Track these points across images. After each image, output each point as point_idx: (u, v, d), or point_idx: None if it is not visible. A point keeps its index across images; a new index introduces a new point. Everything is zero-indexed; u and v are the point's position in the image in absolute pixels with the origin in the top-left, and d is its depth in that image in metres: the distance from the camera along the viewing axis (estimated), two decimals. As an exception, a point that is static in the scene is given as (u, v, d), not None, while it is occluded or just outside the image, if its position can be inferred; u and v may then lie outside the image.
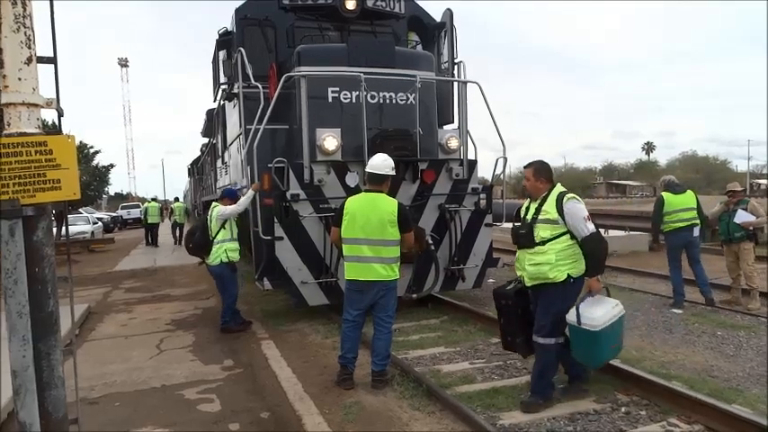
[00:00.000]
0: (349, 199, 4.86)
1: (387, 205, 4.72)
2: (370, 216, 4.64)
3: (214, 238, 6.79)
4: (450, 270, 7.44)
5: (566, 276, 4.06)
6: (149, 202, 22.32)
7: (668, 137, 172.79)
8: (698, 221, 7.63)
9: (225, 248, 6.77)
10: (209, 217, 6.93)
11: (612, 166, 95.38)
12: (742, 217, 7.54)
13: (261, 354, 5.91)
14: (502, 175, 8.18)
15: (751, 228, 7.58)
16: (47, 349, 2.58)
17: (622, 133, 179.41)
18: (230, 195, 7.01)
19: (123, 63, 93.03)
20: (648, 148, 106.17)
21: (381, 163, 4.86)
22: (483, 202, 7.83)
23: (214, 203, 7.09)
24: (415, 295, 7.06)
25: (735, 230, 7.61)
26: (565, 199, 4.12)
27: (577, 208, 4.07)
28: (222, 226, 6.82)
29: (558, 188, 4.27)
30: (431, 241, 7.00)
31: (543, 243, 4.13)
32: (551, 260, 4.07)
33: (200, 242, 6.95)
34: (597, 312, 4.00)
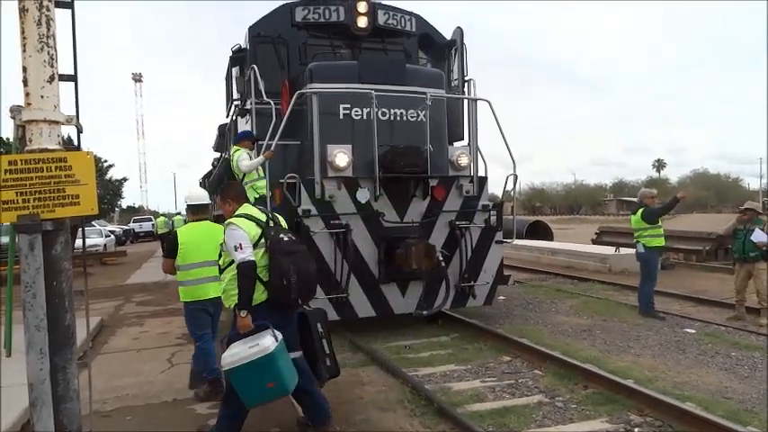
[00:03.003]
0: (181, 231, 5.10)
1: (220, 231, 4.91)
2: (209, 242, 4.92)
3: (242, 180, 6.97)
4: (460, 287, 7.42)
5: (233, 305, 3.78)
6: (175, 216, 23.25)
7: (678, 153, 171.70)
8: (637, 239, 8.36)
9: (254, 187, 6.99)
10: (232, 163, 7.07)
11: (623, 183, 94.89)
12: (758, 236, 7.53)
13: (271, 369, 5.90)
14: (512, 192, 8.19)
15: (765, 248, 7.55)
16: (63, 363, 2.62)
17: (631, 149, 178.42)
18: (248, 136, 7.20)
19: (137, 78, 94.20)
20: (659, 165, 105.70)
21: (202, 194, 5.27)
22: (494, 219, 7.83)
23: (235, 148, 7.16)
24: (425, 312, 7.03)
25: (750, 249, 7.61)
26: (226, 224, 3.83)
27: (230, 235, 3.73)
28: None
29: (240, 209, 3.96)
30: (441, 258, 7.00)
31: (222, 270, 3.92)
32: (225, 288, 3.84)
33: None
34: (229, 351, 3.72)
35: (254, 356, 3.59)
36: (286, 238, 3.83)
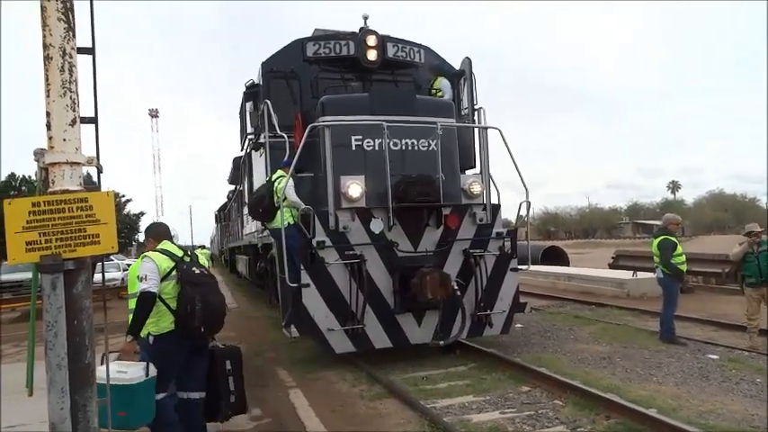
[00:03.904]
0: (133, 266, 5.48)
1: None
2: None
3: (276, 201, 7.04)
4: (476, 316, 7.36)
5: (146, 334, 4.00)
6: (199, 248, 23.25)
7: (694, 174, 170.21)
8: (657, 265, 8.27)
9: (297, 208, 7.02)
10: (275, 187, 7.14)
11: (638, 206, 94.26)
12: None
13: (288, 403, 5.87)
14: (526, 219, 8.17)
15: None
16: (83, 401, 2.63)
17: (645, 170, 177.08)
18: (290, 165, 7.22)
19: (154, 114, 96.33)
20: (674, 186, 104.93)
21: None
22: (508, 246, 7.80)
23: (280, 172, 7.24)
24: (442, 342, 6.96)
25: (767, 272, 7.42)
26: (141, 257, 4.15)
27: (140, 266, 4.01)
28: None
29: (160, 245, 4.21)
30: (456, 287, 6.97)
31: None
32: None
33: (269, 207, 7.25)
34: (103, 366, 3.82)
35: (115, 381, 3.68)
36: (198, 271, 4.12)
